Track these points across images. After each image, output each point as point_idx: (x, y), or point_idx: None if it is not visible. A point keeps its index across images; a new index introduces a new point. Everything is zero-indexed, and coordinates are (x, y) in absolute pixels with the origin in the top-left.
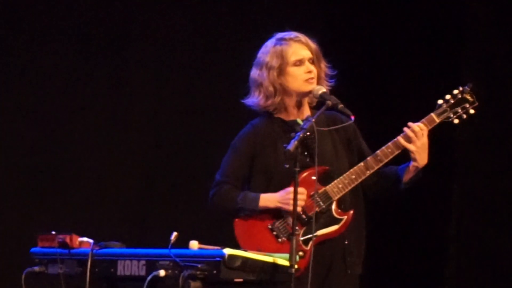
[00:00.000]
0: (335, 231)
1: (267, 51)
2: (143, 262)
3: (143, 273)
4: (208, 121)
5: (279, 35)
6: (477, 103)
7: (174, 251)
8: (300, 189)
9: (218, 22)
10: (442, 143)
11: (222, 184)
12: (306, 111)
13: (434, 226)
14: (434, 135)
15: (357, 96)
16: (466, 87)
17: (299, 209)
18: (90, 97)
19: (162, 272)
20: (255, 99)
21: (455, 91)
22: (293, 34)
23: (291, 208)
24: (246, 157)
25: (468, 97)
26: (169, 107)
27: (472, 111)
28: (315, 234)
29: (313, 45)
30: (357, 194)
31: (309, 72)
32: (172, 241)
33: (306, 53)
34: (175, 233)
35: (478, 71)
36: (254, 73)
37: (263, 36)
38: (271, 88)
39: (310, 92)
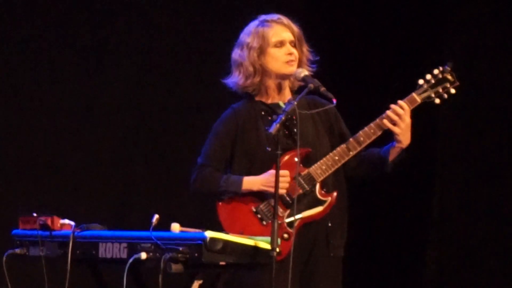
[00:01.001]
0: (319, 213)
1: (249, 31)
2: (124, 244)
3: (124, 255)
4: (189, 105)
5: (262, 17)
6: (457, 83)
7: (155, 233)
8: (284, 172)
9: (199, 8)
10: (424, 133)
11: (204, 167)
12: (288, 94)
13: (416, 210)
14: (417, 123)
15: (338, 77)
16: (446, 67)
17: (283, 191)
18: (69, 85)
19: (143, 255)
20: (235, 79)
21: (435, 71)
22: (275, 16)
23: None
24: (227, 140)
25: (449, 77)
26: (150, 91)
27: (453, 91)
28: (299, 216)
29: (295, 28)
30: (340, 177)
31: (290, 54)
32: (153, 224)
33: (287, 35)
34: (156, 216)
35: (460, 51)
36: (235, 53)
37: (243, 23)
38: (251, 68)
39: (290, 74)
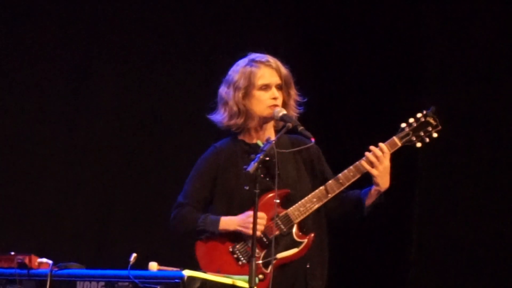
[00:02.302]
0: (295, 254)
1: (237, 70)
2: (102, 283)
3: None
4: (169, 143)
5: (252, 56)
6: (440, 127)
7: (133, 272)
8: (260, 214)
9: (187, 33)
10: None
11: (183, 206)
12: (270, 135)
13: (395, 249)
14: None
15: (320, 119)
16: (429, 111)
17: (258, 233)
18: (45, 118)
19: None
20: (219, 117)
21: (418, 115)
22: (265, 57)
23: (251, 232)
24: (207, 179)
25: (431, 121)
26: (129, 128)
27: (435, 135)
28: (275, 257)
29: (283, 70)
30: (320, 217)
31: (274, 98)
32: (131, 262)
33: (274, 79)
34: (134, 254)
35: (438, 93)
36: (222, 90)
37: (229, 50)
38: (235, 108)
39: (272, 117)
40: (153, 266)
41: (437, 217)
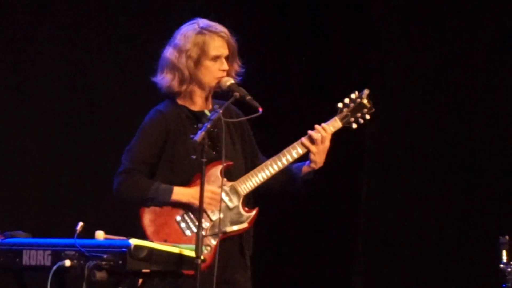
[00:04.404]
0: (244, 229)
1: (189, 36)
2: (48, 252)
3: (48, 263)
4: (113, 111)
5: (203, 23)
6: (373, 109)
7: (79, 241)
8: (214, 189)
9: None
10: (350, 143)
11: (132, 172)
12: (210, 102)
13: (342, 241)
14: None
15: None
16: (363, 92)
17: (211, 207)
18: None
19: (67, 262)
20: (167, 80)
21: (353, 95)
22: (218, 28)
23: (204, 206)
24: (156, 144)
25: (365, 103)
26: (75, 98)
27: (368, 117)
28: (223, 230)
29: (232, 42)
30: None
31: (223, 70)
32: (78, 231)
33: (224, 50)
34: (81, 223)
35: (383, 77)
36: (171, 54)
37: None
38: (186, 74)
39: (215, 88)
40: (100, 235)
41: (383, 209)
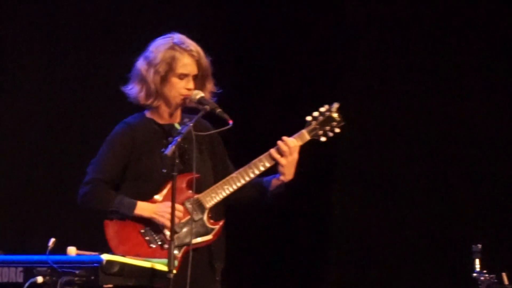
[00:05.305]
0: (208, 241)
1: (160, 50)
2: (20, 268)
3: (20, 279)
4: (85, 126)
5: (177, 38)
6: (343, 123)
7: (52, 257)
8: (179, 207)
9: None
10: (322, 154)
11: (97, 182)
12: (178, 116)
13: (315, 246)
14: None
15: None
16: (332, 106)
17: (177, 220)
18: None
19: (39, 279)
20: (135, 92)
21: (322, 109)
22: (190, 46)
23: (165, 222)
24: (122, 156)
25: (335, 116)
26: (44, 114)
27: (337, 130)
28: (187, 242)
29: (204, 62)
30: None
31: (189, 89)
32: (50, 247)
33: (192, 69)
34: (52, 239)
35: (356, 92)
36: (142, 66)
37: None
38: (153, 88)
39: (182, 104)
40: (72, 250)
41: (355, 219)
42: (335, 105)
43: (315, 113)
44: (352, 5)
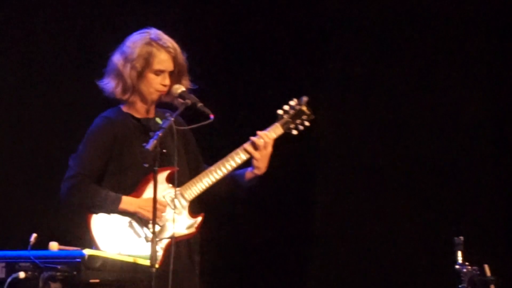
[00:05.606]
0: (191, 234)
1: (136, 46)
2: (2, 264)
3: (2, 275)
4: (63, 121)
5: (154, 34)
6: (313, 117)
7: (33, 252)
8: (162, 201)
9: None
10: (304, 148)
11: (81, 177)
12: (153, 110)
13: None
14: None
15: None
16: (302, 100)
17: (159, 214)
18: None
19: (22, 274)
20: (111, 86)
21: (292, 102)
22: (167, 42)
23: (150, 216)
24: (104, 150)
25: (305, 110)
26: (25, 107)
27: (307, 123)
28: (172, 235)
29: (180, 59)
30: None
31: (164, 85)
32: (31, 243)
33: (169, 66)
34: (34, 235)
35: (336, 79)
36: (118, 61)
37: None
38: (129, 83)
39: (158, 100)
40: (54, 246)
41: (337, 213)
42: (304, 99)
43: (286, 107)
44: None
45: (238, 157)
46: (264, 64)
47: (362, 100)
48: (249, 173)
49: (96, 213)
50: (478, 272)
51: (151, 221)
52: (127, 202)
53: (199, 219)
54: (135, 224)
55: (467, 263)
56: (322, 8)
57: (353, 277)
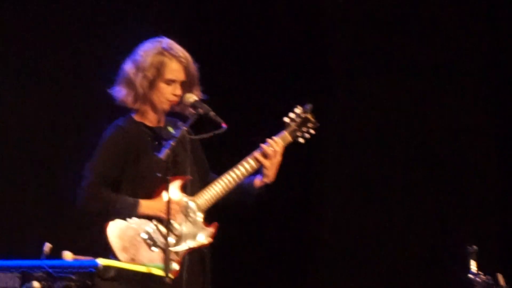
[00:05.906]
0: (206, 244)
1: (149, 54)
2: (16, 274)
3: (16, 285)
4: (78, 130)
5: (166, 43)
6: (318, 124)
7: (47, 262)
8: (180, 201)
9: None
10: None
11: (97, 186)
12: (163, 119)
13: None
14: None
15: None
16: (306, 107)
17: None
18: None
19: (35, 284)
20: (123, 95)
21: (297, 110)
22: (179, 52)
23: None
24: (119, 159)
25: (310, 118)
26: (38, 112)
27: (312, 132)
28: (189, 244)
29: (192, 69)
30: None
31: (175, 95)
32: (45, 252)
33: (180, 75)
34: (47, 244)
35: (344, 89)
36: (130, 69)
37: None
38: (140, 92)
39: (167, 110)
40: (68, 255)
41: (348, 220)
42: (309, 106)
43: (292, 115)
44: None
45: (248, 165)
46: (270, 72)
47: (371, 108)
48: (257, 181)
49: (114, 220)
50: (492, 282)
51: (168, 231)
52: (146, 206)
53: (213, 228)
54: (151, 234)
55: (480, 272)
56: (329, 18)
57: (362, 283)
